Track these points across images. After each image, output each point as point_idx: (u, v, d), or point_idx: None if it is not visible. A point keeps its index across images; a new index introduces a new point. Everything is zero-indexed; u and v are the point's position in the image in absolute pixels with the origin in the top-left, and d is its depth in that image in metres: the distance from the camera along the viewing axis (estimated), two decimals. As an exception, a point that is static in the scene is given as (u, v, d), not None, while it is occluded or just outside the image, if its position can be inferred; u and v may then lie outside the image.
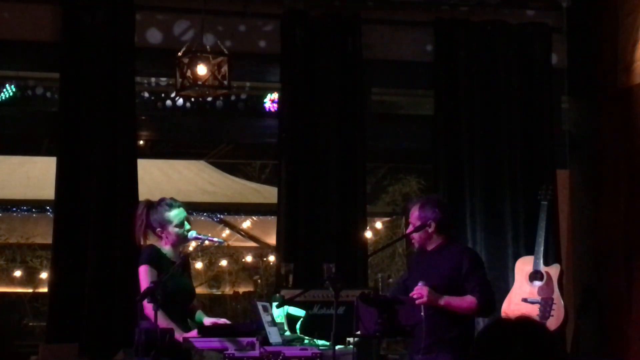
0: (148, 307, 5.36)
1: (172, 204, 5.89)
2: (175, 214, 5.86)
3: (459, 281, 5.65)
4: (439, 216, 5.75)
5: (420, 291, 5.55)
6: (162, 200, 5.94)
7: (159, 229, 5.87)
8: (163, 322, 5.52)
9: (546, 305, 7.08)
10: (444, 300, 5.58)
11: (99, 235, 7.15)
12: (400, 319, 5.25)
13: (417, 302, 5.52)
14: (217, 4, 7.57)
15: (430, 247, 5.79)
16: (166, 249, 5.95)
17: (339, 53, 7.74)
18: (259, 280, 15.31)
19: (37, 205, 12.16)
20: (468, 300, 5.61)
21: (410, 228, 5.81)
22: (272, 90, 8.21)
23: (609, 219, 7.94)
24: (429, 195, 6.24)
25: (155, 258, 5.85)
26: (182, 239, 5.94)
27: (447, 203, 6.77)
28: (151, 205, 5.92)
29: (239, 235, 15.15)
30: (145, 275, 5.78)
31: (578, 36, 8.22)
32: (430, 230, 5.74)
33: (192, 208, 8.60)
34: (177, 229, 5.86)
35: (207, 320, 6.01)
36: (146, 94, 8.15)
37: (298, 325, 6.27)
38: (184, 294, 6.01)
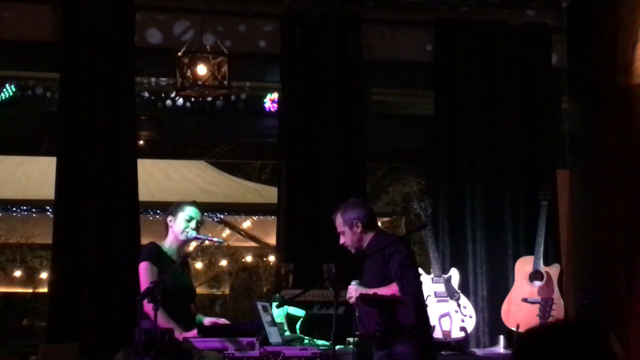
0: (148, 306, 5.37)
1: (193, 203, 6.16)
2: (190, 209, 6.05)
3: (387, 272, 5.68)
4: (361, 214, 5.82)
5: (350, 293, 5.64)
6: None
7: (170, 217, 6.06)
8: (163, 321, 5.53)
9: (546, 305, 7.08)
10: (373, 293, 5.53)
11: (99, 235, 7.15)
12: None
13: (350, 301, 5.62)
14: (217, 4, 7.57)
15: (365, 246, 5.84)
16: (167, 246, 6.02)
17: (339, 53, 7.74)
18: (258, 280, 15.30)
19: (37, 205, 12.13)
20: (393, 288, 5.60)
21: (341, 238, 5.86)
22: (272, 90, 8.21)
23: (609, 219, 7.93)
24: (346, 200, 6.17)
25: (156, 255, 5.91)
26: (184, 234, 6.00)
27: (365, 200, 6.76)
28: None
29: (239, 235, 15.10)
30: (145, 272, 5.83)
31: (578, 36, 8.21)
32: (358, 230, 5.78)
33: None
34: (183, 223, 5.99)
35: (207, 320, 6.03)
36: (146, 94, 8.15)
37: (298, 325, 6.28)
38: (185, 293, 6.04)
